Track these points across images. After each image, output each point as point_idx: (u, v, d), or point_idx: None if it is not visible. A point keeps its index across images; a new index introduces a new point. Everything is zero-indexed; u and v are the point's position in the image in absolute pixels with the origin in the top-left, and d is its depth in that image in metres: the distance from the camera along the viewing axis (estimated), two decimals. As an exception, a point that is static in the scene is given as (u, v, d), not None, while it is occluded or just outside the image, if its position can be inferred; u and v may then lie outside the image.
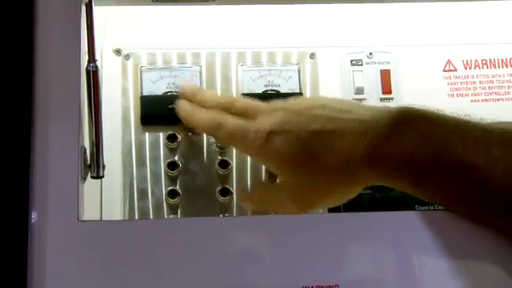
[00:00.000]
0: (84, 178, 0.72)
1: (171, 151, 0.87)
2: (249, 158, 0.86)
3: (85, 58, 0.74)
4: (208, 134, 0.82)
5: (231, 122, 0.76)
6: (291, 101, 0.77)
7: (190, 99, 0.82)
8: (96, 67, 0.73)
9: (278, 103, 0.76)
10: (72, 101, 0.71)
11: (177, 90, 0.86)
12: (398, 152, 0.67)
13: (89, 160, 0.74)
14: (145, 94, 0.87)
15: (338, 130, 0.70)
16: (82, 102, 0.73)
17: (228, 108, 0.78)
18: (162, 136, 0.87)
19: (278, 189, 0.79)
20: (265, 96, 0.85)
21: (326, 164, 0.70)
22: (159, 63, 0.89)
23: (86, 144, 0.73)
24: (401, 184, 0.69)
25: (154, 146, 0.86)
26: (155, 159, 0.86)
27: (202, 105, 0.80)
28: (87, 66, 0.73)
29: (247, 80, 0.89)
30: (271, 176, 0.84)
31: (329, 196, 0.73)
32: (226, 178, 0.86)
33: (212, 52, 0.90)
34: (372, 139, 0.68)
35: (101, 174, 0.74)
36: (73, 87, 0.72)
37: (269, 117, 0.74)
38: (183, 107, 0.81)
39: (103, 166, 0.75)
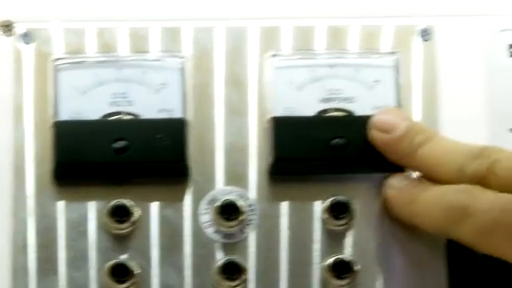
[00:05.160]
0: None
1: (119, 242, 0.57)
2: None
3: None
4: (442, 233, 0.54)
5: (487, 200, 0.51)
6: None
7: (401, 158, 0.56)
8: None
9: None
10: None
11: (132, 109, 0.58)
12: None
13: None
14: (63, 117, 0.59)
15: None
16: None
17: (483, 175, 0.52)
18: (97, 208, 0.57)
19: None
20: (319, 122, 0.57)
21: None
22: (91, 51, 0.61)
23: None
24: None
25: (79, 228, 0.58)
26: (82, 257, 0.56)
27: (430, 173, 0.55)
28: None
29: (283, 88, 0.60)
30: None
31: None
32: None
33: (206, 26, 0.61)
34: None
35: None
36: None
37: None
38: (391, 186, 0.57)
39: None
